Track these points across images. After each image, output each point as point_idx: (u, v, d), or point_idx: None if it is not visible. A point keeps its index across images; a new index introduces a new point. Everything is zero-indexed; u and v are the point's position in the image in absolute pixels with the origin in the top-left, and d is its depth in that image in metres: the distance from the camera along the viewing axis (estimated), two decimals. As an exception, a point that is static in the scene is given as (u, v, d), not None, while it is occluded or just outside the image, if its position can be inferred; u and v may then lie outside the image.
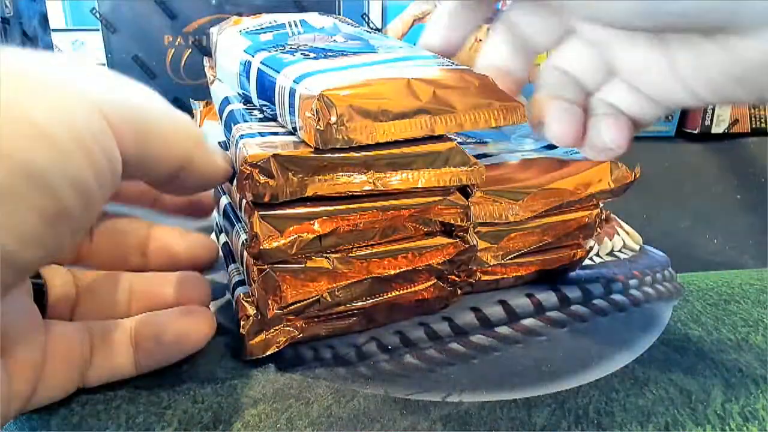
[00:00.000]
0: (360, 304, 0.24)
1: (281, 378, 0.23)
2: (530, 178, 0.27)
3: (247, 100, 0.26)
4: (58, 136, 0.14)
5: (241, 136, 0.22)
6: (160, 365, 0.22)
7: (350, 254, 0.22)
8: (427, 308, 0.26)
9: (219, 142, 0.28)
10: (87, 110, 0.15)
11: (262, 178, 0.20)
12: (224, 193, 0.27)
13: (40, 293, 0.21)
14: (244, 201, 0.22)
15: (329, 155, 0.20)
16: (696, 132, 0.55)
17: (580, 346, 0.25)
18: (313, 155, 0.20)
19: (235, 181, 0.21)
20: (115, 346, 0.21)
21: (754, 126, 0.56)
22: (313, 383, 0.23)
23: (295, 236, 0.21)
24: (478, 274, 0.27)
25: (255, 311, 0.22)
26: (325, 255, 0.22)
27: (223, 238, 0.28)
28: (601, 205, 0.29)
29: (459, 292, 0.26)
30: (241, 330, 0.23)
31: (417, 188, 0.22)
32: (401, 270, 0.23)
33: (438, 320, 0.26)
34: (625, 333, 0.26)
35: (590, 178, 0.27)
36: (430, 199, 0.23)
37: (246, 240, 0.22)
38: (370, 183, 0.21)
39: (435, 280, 0.25)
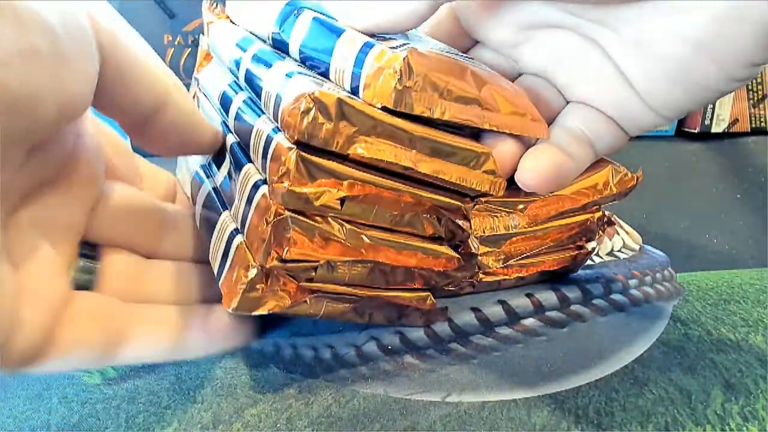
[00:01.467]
0: (355, 290, 0.23)
1: (281, 378, 0.23)
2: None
3: (280, 47, 0.25)
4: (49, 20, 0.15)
5: (289, 74, 0.21)
6: (207, 351, 0.23)
7: (364, 232, 0.22)
8: (423, 319, 0.26)
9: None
10: (78, 14, 0.17)
11: (321, 119, 0.19)
12: (230, 131, 0.26)
13: (89, 271, 0.22)
14: (277, 136, 0.21)
15: (387, 118, 0.20)
16: (696, 131, 0.55)
17: (580, 346, 0.25)
18: (373, 113, 0.20)
19: (280, 114, 0.20)
20: (160, 326, 0.22)
21: (754, 125, 0.56)
22: (313, 383, 0.23)
23: (324, 189, 0.20)
24: (480, 274, 0.27)
25: (259, 264, 0.21)
26: (340, 222, 0.21)
27: (210, 183, 0.27)
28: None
29: (447, 312, 0.26)
30: (241, 277, 0.21)
31: (446, 182, 0.22)
32: (404, 266, 0.23)
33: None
34: (625, 333, 0.26)
35: (591, 184, 0.26)
36: (451, 200, 0.23)
37: (260, 181, 0.21)
38: (411, 161, 0.21)
39: (428, 293, 0.24)
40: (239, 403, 0.21)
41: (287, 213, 0.20)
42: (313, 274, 0.22)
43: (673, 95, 0.21)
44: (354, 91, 0.21)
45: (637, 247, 0.35)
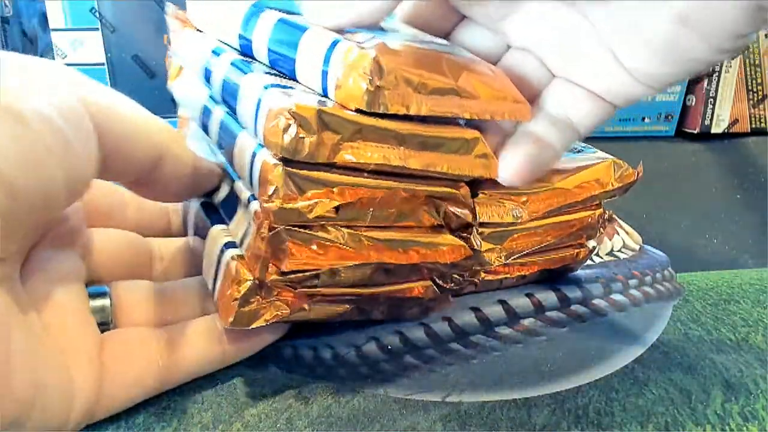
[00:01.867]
0: (356, 290, 0.23)
1: (281, 378, 0.23)
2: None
3: (245, 52, 0.24)
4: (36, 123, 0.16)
5: (265, 87, 0.20)
6: (246, 354, 0.23)
7: (363, 233, 0.21)
8: (422, 310, 0.26)
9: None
10: (70, 100, 0.17)
11: (302, 133, 0.19)
12: (221, 149, 0.25)
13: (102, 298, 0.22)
14: (261, 152, 0.20)
15: (370, 121, 0.19)
16: (696, 132, 0.55)
17: (580, 346, 0.25)
18: (356, 118, 0.19)
19: (261, 132, 0.19)
20: (196, 340, 0.22)
21: (753, 126, 0.56)
22: (313, 383, 0.23)
23: (316, 201, 0.20)
24: (482, 273, 0.27)
25: (251, 277, 0.21)
26: (338, 228, 0.21)
27: (197, 199, 0.26)
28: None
29: (451, 298, 0.26)
30: (234, 293, 0.21)
31: (439, 173, 0.21)
32: (408, 263, 0.22)
33: (438, 320, 0.26)
34: (625, 333, 0.26)
35: (593, 177, 0.27)
36: (446, 189, 0.22)
37: (252, 197, 0.21)
38: (400, 159, 0.20)
39: (430, 283, 0.24)
40: (239, 403, 0.21)
41: (281, 226, 0.20)
42: (316, 281, 0.21)
43: (661, 70, 0.21)
44: (324, 91, 0.20)
45: (637, 247, 0.35)
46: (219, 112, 0.24)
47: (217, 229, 0.24)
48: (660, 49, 0.20)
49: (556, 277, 0.30)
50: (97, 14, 0.45)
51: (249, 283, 0.21)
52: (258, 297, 0.21)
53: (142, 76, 0.47)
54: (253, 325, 0.21)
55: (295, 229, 0.20)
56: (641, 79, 0.22)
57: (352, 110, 0.19)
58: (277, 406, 0.21)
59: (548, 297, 0.29)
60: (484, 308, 0.27)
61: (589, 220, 0.28)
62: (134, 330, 0.21)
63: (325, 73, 0.20)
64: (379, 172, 0.21)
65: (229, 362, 0.23)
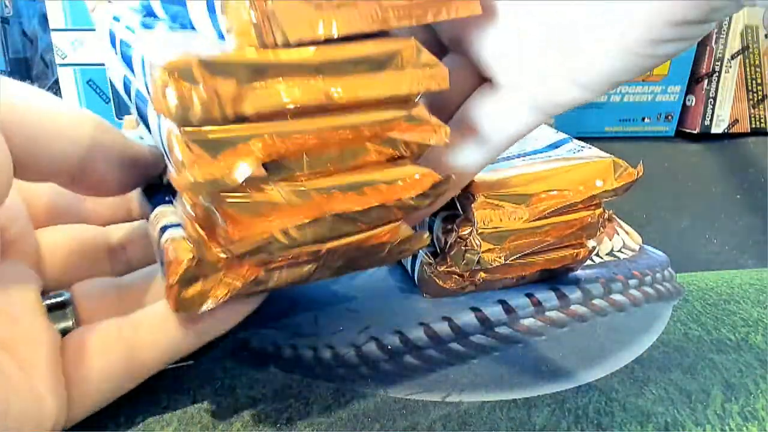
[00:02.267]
0: (316, 247, 0.20)
1: (281, 378, 0.23)
2: (531, 180, 0.27)
3: (149, 12, 0.22)
4: None
5: (159, 42, 0.18)
6: (221, 328, 0.21)
7: (308, 184, 0.18)
8: (392, 254, 0.22)
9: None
10: None
11: (187, 86, 0.15)
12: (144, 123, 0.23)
13: (62, 305, 0.21)
14: (167, 125, 0.17)
15: (269, 57, 0.16)
16: (695, 132, 0.55)
17: (580, 346, 0.25)
18: (248, 58, 0.16)
19: (151, 96, 0.16)
20: (159, 323, 0.21)
21: (753, 126, 0.56)
22: (313, 383, 0.23)
23: (233, 160, 0.17)
24: (481, 273, 0.27)
25: (192, 256, 0.18)
26: (274, 185, 0.18)
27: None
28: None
29: (426, 237, 0.23)
30: (172, 278, 0.18)
31: (375, 99, 0.18)
32: (370, 207, 0.19)
33: (438, 320, 0.26)
34: (625, 333, 0.26)
35: (593, 177, 0.27)
36: (391, 114, 0.19)
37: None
38: (322, 93, 0.17)
39: (399, 224, 0.21)
40: (239, 403, 0.21)
41: (205, 200, 0.17)
42: (269, 248, 0.19)
43: (610, 68, 0.19)
44: (219, 34, 0.17)
45: (637, 247, 0.35)
46: (136, 84, 0.21)
47: (157, 211, 0.21)
48: (611, 47, 0.18)
49: (556, 277, 0.30)
50: (97, 14, 0.45)
51: (185, 266, 0.18)
52: (201, 277, 0.19)
53: (142, 76, 0.47)
54: (206, 307, 0.19)
55: (224, 198, 0.17)
56: (581, 80, 0.19)
57: (246, 50, 0.16)
58: (277, 406, 0.21)
59: (548, 297, 0.29)
60: (484, 308, 0.27)
61: (589, 219, 0.28)
62: (93, 327, 0.20)
63: (212, 9, 0.16)
64: (304, 113, 0.17)
65: (205, 339, 0.21)
